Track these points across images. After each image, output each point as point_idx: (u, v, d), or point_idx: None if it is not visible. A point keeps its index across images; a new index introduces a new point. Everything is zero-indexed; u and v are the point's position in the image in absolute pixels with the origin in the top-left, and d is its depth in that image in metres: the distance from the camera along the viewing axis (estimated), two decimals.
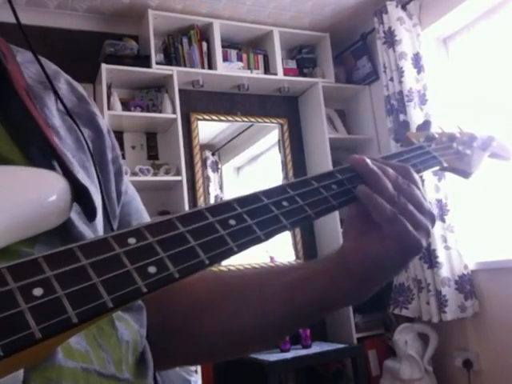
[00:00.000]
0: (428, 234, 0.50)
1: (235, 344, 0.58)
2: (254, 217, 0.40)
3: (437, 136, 0.64)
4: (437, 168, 0.60)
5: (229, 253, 0.37)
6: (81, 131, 0.52)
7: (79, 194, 0.42)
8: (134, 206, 0.61)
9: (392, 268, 0.51)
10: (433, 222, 0.51)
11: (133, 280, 0.31)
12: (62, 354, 0.37)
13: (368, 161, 0.51)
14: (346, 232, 0.52)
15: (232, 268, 3.11)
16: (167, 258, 0.33)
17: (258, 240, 0.39)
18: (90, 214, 0.44)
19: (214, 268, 3.23)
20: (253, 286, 0.56)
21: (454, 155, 0.63)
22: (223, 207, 0.40)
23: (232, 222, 0.39)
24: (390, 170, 0.50)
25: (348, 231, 0.52)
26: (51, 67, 0.59)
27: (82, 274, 0.30)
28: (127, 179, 0.62)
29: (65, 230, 0.42)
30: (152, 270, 0.32)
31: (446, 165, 0.60)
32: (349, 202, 0.48)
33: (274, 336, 0.60)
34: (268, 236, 0.40)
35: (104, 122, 0.61)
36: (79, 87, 0.61)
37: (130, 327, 0.48)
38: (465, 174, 0.64)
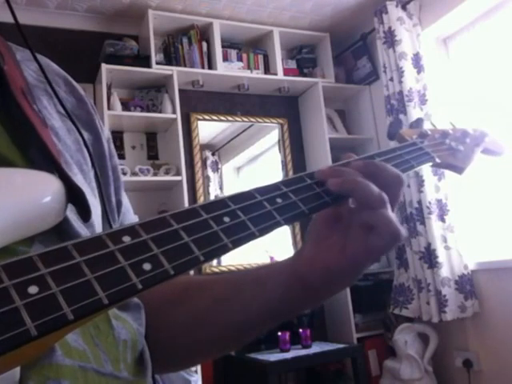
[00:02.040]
0: (382, 252, 0.46)
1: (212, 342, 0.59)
2: (248, 213, 0.40)
3: (430, 133, 0.65)
4: (430, 164, 0.61)
5: (224, 249, 0.37)
6: (80, 133, 0.52)
7: (74, 195, 0.42)
8: (128, 219, 0.62)
9: (343, 281, 0.48)
10: (394, 242, 0.46)
11: (128, 277, 0.31)
12: (60, 352, 0.37)
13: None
14: (308, 234, 0.51)
15: (232, 268, 3.12)
16: (162, 254, 0.33)
17: (252, 236, 0.39)
18: (84, 214, 0.44)
19: (215, 268, 3.23)
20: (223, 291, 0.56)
21: (447, 151, 0.64)
22: (217, 204, 0.40)
23: (226, 218, 0.39)
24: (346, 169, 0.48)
25: (311, 232, 0.51)
26: (51, 66, 0.59)
27: (76, 271, 0.30)
28: (124, 191, 0.63)
29: (61, 230, 0.43)
30: (147, 266, 0.32)
31: (438, 161, 0.61)
32: (343, 197, 0.48)
33: (232, 344, 0.60)
34: (262, 232, 0.40)
35: (103, 126, 0.61)
36: (79, 88, 0.61)
37: (127, 326, 0.48)
38: (458, 169, 0.64)
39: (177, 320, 0.56)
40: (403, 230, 0.46)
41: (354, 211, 0.47)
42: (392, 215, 0.45)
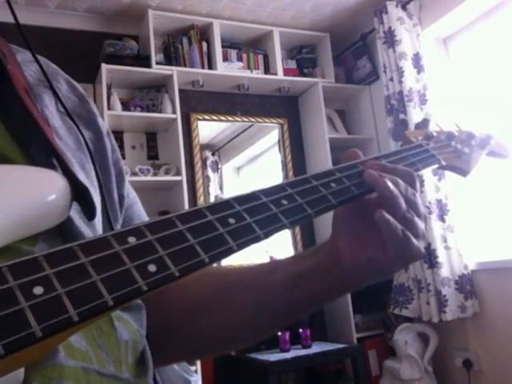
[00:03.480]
0: (424, 239, 0.50)
1: (229, 341, 0.59)
2: (254, 215, 0.40)
3: (435, 134, 0.65)
4: (435, 166, 0.60)
5: (229, 251, 0.37)
6: (81, 132, 0.52)
7: (79, 193, 0.42)
8: (136, 210, 0.62)
9: (388, 274, 0.51)
10: (425, 224, 0.51)
11: (133, 278, 0.31)
12: (63, 353, 0.37)
13: (388, 182, 0.49)
14: (337, 228, 0.52)
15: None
16: (167, 256, 0.33)
17: (257, 239, 0.39)
18: (89, 213, 0.44)
19: (214, 264, 3.25)
20: (249, 285, 0.56)
21: (453, 153, 0.63)
22: (222, 206, 0.40)
23: (231, 220, 0.39)
24: (402, 183, 0.50)
25: (341, 228, 0.51)
26: (51, 67, 0.59)
27: (82, 273, 0.30)
28: (128, 182, 0.62)
29: (65, 229, 0.42)
30: (152, 268, 0.32)
31: (444, 163, 0.61)
32: (348, 200, 0.48)
33: (266, 332, 0.61)
34: (267, 235, 0.40)
35: (104, 123, 0.61)
36: (79, 87, 0.61)
37: (129, 327, 0.48)
38: (463, 172, 0.64)
39: (195, 334, 0.57)
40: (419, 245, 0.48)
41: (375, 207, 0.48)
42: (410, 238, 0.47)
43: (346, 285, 0.51)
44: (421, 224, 0.49)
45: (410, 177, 0.51)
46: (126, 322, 0.48)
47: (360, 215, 0.50)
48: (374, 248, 0.48)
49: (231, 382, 2.89)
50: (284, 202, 0.43)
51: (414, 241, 0.47)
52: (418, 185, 0.52)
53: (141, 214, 0.63)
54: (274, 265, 0.57)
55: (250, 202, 0.41)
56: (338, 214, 0.52)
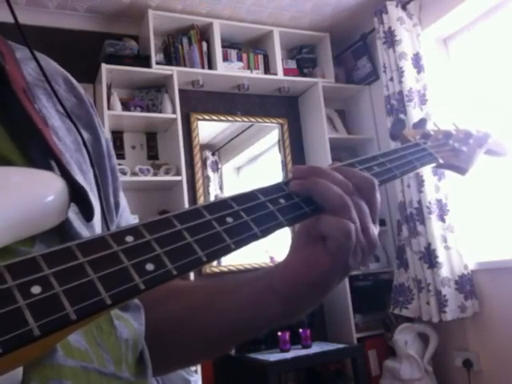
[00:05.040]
0: (360, 263, 0.46)
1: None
2: (251, 214, 0.40)
3: (433, 133, 0.65)
4: (433, 165, 0.60)
5: (226, 250, 0.37)
6: (80, 133, 0.52)
7: (76, 194, 0.42)
8: (125, 218, 0.62)
9: (314, 294, 0.48)
10: (371, 252, 0.46)
11: (131, 277, 0.31)
12: (61, 353, 0.37)
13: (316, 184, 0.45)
14: (292, 242, 0.50)
15: (232, 268, 3.12)
16: (164, 255, 0.33)
17: (254, 237, 0.39)
18: (87, 214, 0.44)
19: (215, 268, 3.22)
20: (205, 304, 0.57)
21: (450, 152, 0.63)
22: (220, 205, 0.40)
23: (229, 219, 0.39)
24: (338, 176, 0.46)
25: (291, 242, 0.50)
26: (51, 65, 0.59)
27: (79, 272, 0.30)
28: (121, 191, 0.63)
29: (63, 230, 0.42)
30: (150, 267, 0.32)
31: (442, 161, 0.61)
32: None
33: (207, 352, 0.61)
34: (265, 233, 0.40)
35: (101, 126, 0.60)
36: (79, 86, 0.61)
37: (129, 326, 0.48)
38: (461, 170, 0.64)
39: (154, 319, 0.56)
40: (364, 244, 0.45)
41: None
42: (349, 224, 0.44)
43: (280, 303, 0.48)
44: (363, 240, 0.45)
45: (365, 181, 0.48)
46: (125, 321, 0.48)
47: (310, 230, 0.48)
48: (301, 262, 0.46)
49: (231, 382, 2.89)
50: (281, 200, 0.43)
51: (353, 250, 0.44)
52: (375, 195, 0.48)
53: (128, 221, 0.63)
54: (232, 286, 0.56)
55: (247, 201, 0.41)
56: (299, 229, 0.49)
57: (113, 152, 0.61)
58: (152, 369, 0.51)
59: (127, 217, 0.63)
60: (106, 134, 0.61)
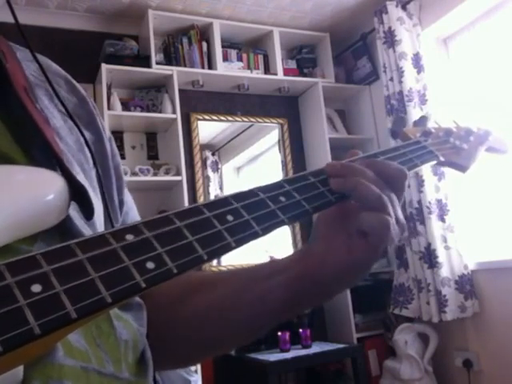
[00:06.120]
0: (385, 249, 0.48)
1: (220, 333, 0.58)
2: (251, 212, 0.40)
3: (433, 131, 0.65)
4: (434, 162, 0.60)
5: (227, 248, 0.37)
6: (82, 133, 0.52)
7: (77, 192, 0.42)
8: (131, 216, 0.61)
9: (351, 280, 0.50)
10: (401, 234, 0.49)
11: (131, 275, 0.31)
12: (62, 352, 0.37)
13: (358, 185, 0.47)
14: (315, 229, 0.51)
15: (232, 268, 3.12)
16: (165, 253, 0.33)
17: (255, 235, 0.39)
18: (87, 212, 0.44)
19: (214, 268, 3.23)
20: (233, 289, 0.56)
21: (451, 149, 0.63)
22: (220, 203, 0.40)
23: (229, 217, 0.39)
24: (370, 178, 0.48)
25: (318, 229, 0.51)
26: (51, 66, 0.59)
27: (80, 270, 0.30)
28: (126, 189, 0.62)
29: (64, 228, 0.42)
30: (150, 265, 0.32)
31: (442, 159, 0.61)
32: (346, 196, 0.48)
33: (246, 337, 0.59)
34: (265, 231, 0.40)
35: (105, 125, 0.61)
36: (80, 87, 0.61)
37: (128, 326, 0.48)
38: (462, 168, 0.64)
39: (184, 317, 0.56)
40: (398, 232, 0.47)
41: (357, 211, 0.47)
42: (388, 219, 0.46)
43: (315, 288, 0.50)
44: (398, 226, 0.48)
45: (399, 172, 0.50)
46: (125, 322, 0.48)
47: (338, 219, 0.50)
48: (341, 250, 0.47)
49: (231, 382, 2.89)
50: (282, 198, 0.43)
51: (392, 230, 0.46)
52: (404, 184, 0.51)
53: (136, 219, 0.62)
54: (257, 272, 0.56)
55: (247, 198, 0.41)
56: (322, 216, 0.51)
57: (116, 151, 0.61)
58: (185, 360, 0.53)
59: (134, 216, 0.62)
60: (108, 133, 0.61)
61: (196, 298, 0.56)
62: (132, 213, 0.62)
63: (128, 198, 0.62)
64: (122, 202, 0.59)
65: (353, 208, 0.49)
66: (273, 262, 0.54)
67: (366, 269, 0.48)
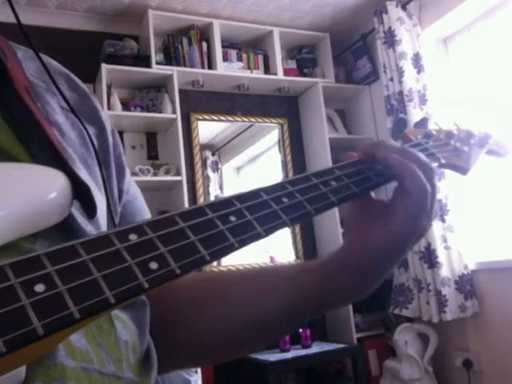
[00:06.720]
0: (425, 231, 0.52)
1: (233, 342, 0.58)
2: (254, 213, 0.40)
3: (434, 133, 0.65)
4: (435, 164, 0.60)
5: (230, 249, 0.37)
6: (85, 128, 0.52)
7: (79, 190, 0.42)
8: (137, 206, 0.61)
9: (389, 257, 0.51)
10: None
11: (134, 276, 0.31)
12: (63, 352, 0.37)
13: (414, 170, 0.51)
14: (346, 228, 0.54)
15: (232, 268, 3.11)
16: (168, 253, 0.33)
17: (258, 236, 0.39)
18: (89, 210, 0.44)
19: (215, 268, 3.23)
20: (250, 284, 0.56)
21: (452, 152, 0.64)
22: (223, 204, 0.40)
23: (232, 218, 0.39)
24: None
25: (348, 227, 0.53)
26: (52, 64, 0.59)
27: (83, 270, 0.30)
28: (130, 178, 0.62)
29: (66, 227, 0.42)
30: (153, 265, 0.32)
31: (443, 161, 0.61)
32: (348, 197, 0.48)
33: (273, 334, 0.59)
34: (268, 232, 0.40)
35: (107, 119, 0.61)
36: (80, 83, 0.61)
37: (127, 327, 0.48)
38: (462, 170, 0.64)
39: (202, 331, 0.56)
40: (431, 213, 0.53)
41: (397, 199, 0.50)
42: (428, 187, 0.51)
43: (347, 282, 0.51)
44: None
45: (426, 167, 0.53)
46: (124, 322, 0.47)
47: (364, 212, 0.52)
48: (372, 235, 0.49)
49: (231, 382, 2.89)
50: (284, 199, 0.43)
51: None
52: (436, 182, 0.53)
53: (142, 210, 0.62)
54: (277, 267, 0.57)
55: (250, 199, 0.41)
56: (348, 212, 0.53)
57: (119, 142, 0.61)
58: (190, 364, 0.52)
59: (140, 205, 0.62)
60: (111, 126, 0.61)
61: (215, 318, 0.56)
62: (138, 202, 0.62)
63: (132, 186, 0.62)
64: (121, 191, 0.59)
65: (369, 203, 0.52)
66: (297, 266, 0.55)
67: (407, 241, 0.49)
